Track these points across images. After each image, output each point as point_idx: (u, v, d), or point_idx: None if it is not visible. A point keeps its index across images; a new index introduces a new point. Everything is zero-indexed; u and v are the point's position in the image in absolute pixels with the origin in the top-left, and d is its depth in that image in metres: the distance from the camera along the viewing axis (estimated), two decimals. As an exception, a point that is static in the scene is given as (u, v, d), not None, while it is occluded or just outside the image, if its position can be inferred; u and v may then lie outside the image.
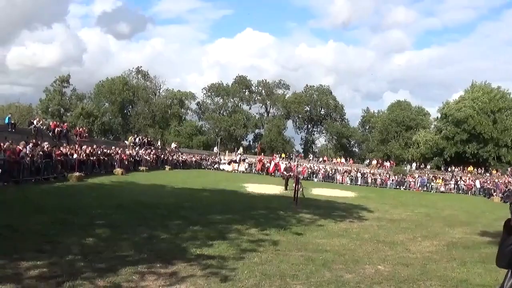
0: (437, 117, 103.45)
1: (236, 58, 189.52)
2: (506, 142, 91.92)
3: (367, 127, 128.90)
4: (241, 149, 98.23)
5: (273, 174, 69.21)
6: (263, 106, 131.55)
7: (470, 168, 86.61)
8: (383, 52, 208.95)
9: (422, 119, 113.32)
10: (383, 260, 14.65)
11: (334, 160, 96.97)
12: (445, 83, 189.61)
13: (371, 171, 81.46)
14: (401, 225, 24.50)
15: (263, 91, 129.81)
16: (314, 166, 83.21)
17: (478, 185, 70.91)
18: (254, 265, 12.36)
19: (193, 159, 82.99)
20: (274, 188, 44.32)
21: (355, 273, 12.69)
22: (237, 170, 79.08)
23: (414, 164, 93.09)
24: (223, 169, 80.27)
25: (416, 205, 39.60)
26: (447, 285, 11.94)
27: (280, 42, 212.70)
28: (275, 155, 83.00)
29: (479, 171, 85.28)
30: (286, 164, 63.88)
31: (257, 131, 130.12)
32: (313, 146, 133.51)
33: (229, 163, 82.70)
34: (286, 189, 43.65)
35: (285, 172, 49.93)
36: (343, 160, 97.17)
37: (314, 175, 75.80)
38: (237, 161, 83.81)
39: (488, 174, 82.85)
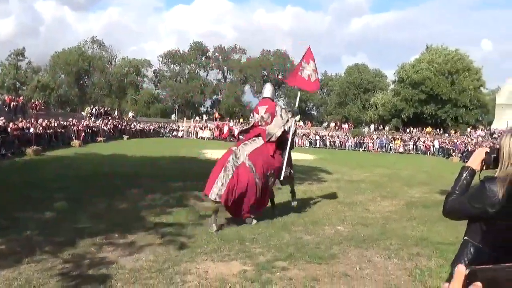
0: (395, 80, 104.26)
1: (193, 24, 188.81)
2: (465, 103, 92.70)
3: (325, 90, 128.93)
4: (204, 116, 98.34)
5: (227, 139, 69.27)
6: (220, 71, 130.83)
7: (429, 129, 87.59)
8: (342, 16, 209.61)
9: (380, 81, 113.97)
10: (342, 221, 14.77)
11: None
12: (403, 47, 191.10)
13: (330, 134, 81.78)
14: (360, 186, 24.70)
15: (220, 57, 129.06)
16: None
17: (437, 146, 71.87)
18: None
19: (151, 127, 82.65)
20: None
21: (314, 234, 12.79)
22: (203, 137, 79.32)
23: (372, 126, 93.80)
24: (200, 137, 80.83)
25: (375, 166, 39.89)
26: (407, 243, 12.04)
27: (238, 7, 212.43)
28: (227, 120, 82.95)
29: (438, 132, 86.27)
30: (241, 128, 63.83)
31: (214, 97, 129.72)
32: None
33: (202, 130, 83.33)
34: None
35: (240, 137, 49.87)
36: (301, 123, 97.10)
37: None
38: (202, 128, 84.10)
39: (446, 135, 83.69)
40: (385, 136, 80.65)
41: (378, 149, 72.53)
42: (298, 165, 34.60)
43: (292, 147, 15.94)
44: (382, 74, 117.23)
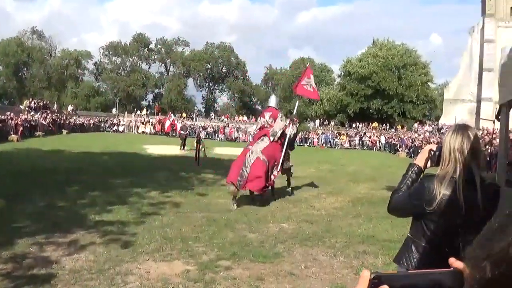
0: (341, 74, 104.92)
1: (136, 15, 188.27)
2: (411, 98, 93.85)
3: (270, 85, 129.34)
4: (145, 110, 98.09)
5: (170, 133, 69.11)
6: (163, 64, 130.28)
7: (375, 124, 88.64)
8: (289, 9, 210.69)
9: (326, 75, 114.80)
10: (287, 218, 14.82)
11: (237, 119, 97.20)
12: (350, 41, 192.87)
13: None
14: (305, 182, 24.65)
15: (162, 49, 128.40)
16: (215, 125, 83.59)
17: (383, 141, 72.74)
18: (155, 229, 12.34)
19: (91, 121, 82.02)
20: (174, 149, 44.36)
21: (258, 232, 12.82)
22: (144, 132, 79.22)
23: (317, 121, 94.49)
24: (142, 132, 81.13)
25: (320, 161, 40.22)
26: (353, 241, 12.10)
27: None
28: (170, 113, 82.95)
29: (384, 127, 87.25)
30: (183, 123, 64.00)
31: (156, 90, 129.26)
32: (215, 105, 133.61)
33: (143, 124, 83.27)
34: (182, 149, 44.90)
35: (182, 132, 50.13)
36: (245, 118, 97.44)
37: (215, 134, 76.13)
38: (143, 122, 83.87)
39: (393, 130, 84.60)
40: (330, 132, 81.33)
41: (324, 145, 73.09)
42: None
43: (292, 147, 21.00)
44: (328, 68, 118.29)
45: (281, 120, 19.56)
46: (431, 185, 4.13)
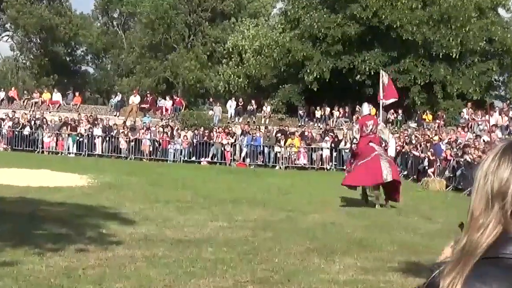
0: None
1: None
2: (454, 48, 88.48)
3: (111, 16, 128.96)
4: None
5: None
6: None
7: (373, 110, 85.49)
8: None
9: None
10: None
11: (36, 98, 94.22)
12: None
13: (128, 122, 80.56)
14: (205, 255, 23.15)
15: None
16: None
17: (391, 151, 71.68)
18: None
19: None
20: None
21: None
22: None
23: (231, 104, 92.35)
24: None
25: (244, 201, 39.16)
26: None
27: None
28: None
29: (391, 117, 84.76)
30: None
31: None
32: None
33: None
34: None
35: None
36: (57, 96, 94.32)
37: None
38: None
39: (413, 124, 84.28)
40: (263, 130, 79.17)
41: (248, 161, 72.62)
42: (49, 201, 33.46)
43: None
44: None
45: (383, 127, 40.70)
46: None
